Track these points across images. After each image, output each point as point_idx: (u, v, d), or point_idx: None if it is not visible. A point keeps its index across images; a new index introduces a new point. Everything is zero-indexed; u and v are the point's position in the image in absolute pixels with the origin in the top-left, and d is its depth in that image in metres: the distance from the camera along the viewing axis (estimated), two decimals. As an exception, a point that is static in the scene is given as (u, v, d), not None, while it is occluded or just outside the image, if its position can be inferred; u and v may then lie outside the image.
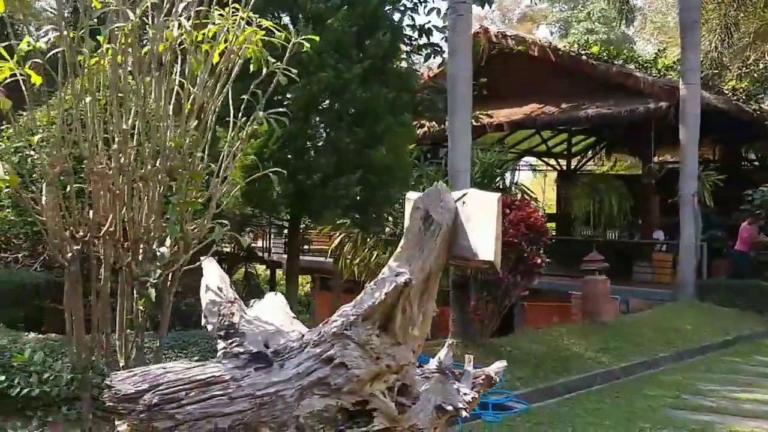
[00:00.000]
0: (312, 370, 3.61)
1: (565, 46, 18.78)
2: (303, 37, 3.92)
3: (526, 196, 13.68)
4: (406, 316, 3.83)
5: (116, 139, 3.81)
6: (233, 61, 3.98)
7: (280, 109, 3.94)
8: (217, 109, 3.83)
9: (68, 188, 3.96)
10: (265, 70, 4.12)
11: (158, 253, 3.73)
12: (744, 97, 17.28)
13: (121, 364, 4.08)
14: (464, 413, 4.69)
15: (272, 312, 4.65)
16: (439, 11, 14.75)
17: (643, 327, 11.46)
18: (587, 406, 7.69)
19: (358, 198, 7.36)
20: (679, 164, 21.27)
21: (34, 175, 6.63)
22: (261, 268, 19.65)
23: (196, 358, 6.52)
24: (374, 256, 11.62)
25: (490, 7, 17.09)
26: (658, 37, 38.73)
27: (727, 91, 17.26)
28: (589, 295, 11.52)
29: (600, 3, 48.12)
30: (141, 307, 3.89)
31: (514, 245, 8.36)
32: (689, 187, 13.86)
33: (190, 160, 3.81)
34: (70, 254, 3.87)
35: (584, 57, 17.65)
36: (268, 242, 21.13)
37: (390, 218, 9.25)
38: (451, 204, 3.91)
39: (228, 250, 11.43)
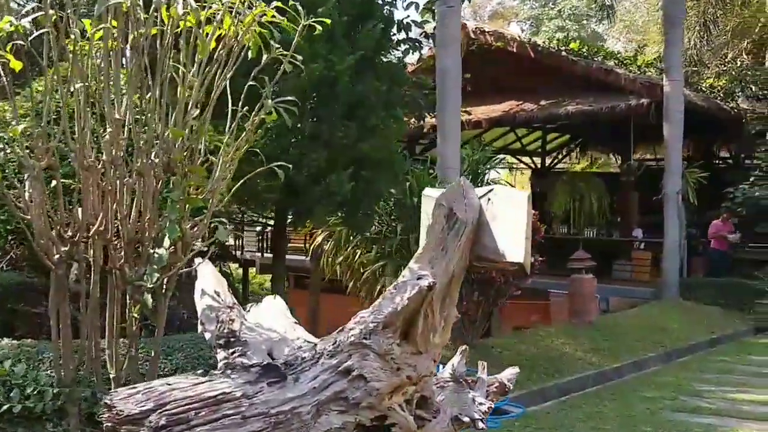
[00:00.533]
0: (329, 383, 3.31)
1: (544, 42, 18.60)
2: (314, 19, 3.61)
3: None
4: (428, 323, 3.54)
5: (108, 130, 3.47)
6: (236, 44, 3.65)
7: (289, 98, 3.63)
8: (216, 98, 3.50)
9: (53, 183, 3.62)
10: (265, 57, 3.81)
11: (155, 256, 3.39)
12: (722, 95, 17.28)
13: (111, 376, 3.74)
14: (481, 424, 4.41)
15: (273, 317, 4.34)
16: (417, 6, 14.51)
17: (631, 326, 11.32)
18: (585, 409, 7.48)
19: (349, 195, 7.03)
20: (656, 162, 21.53)
21: (10, 170, 6.23)
22: (234, 267, 19.24)
23: (193, 367, 6.16)
24: (357, 255, 11.29)
25: (469, 2, 16.81)
26: (626, 35, 39.01)
27: (705, 89, 17.26)
28: (576, 294, 11.35)
29: (571, 0, 48.49)
30: (135, 314, 3.55)
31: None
32: (673, 185, 13.77)
33: (187, 153, 3.48)
34: (57, 256, 3.52)
35: (564, 53, 17.49)
36: (240, 240, 20.72)
37: (376, 216, 8.93)
38: (475, 201, 3.63)
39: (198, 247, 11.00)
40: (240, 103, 3.67)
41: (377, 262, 10.63)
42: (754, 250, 14.84)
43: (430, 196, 3.92)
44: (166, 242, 3.39)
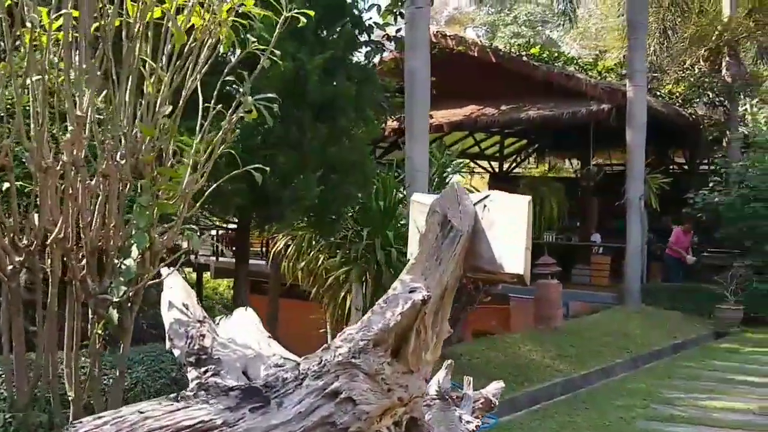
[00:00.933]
0: (315, 407, 3.03)
1: (506, 46, 18.56)
2: (297, 10, 3.35)
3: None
4: (420, 340, 3.29)
5: (69, 128, 3.14)
6: (208, 37, 3.37)
7: (270, 95, 3.36)
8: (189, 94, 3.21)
9: (5, 186, 3.29)
10: (238, 52, 3.54)
11: (122, 267, 3.08)
12: (680, 101, 17.45)
13: (70, 397, 3.41)
14: (469, 444, 4.18)
15: (245, 332, 4.05)
16: (379, 8, 14.31)
17: (595, 332, 11.25)
18: (558, 419, 7.32)
19: (318, 198, 6.76)
20: (612, 167, 21.69)
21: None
22: (187, 271, 18.76)
23: (154, 381, 5.81)
24: (320, 260, 10.99)
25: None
26: (581, 42, 39.51)
27: (664, 95, 17.39)
28: (542, 300, 11.24)
29: (526, 7, 48.96)
30: (98, 331, 3.23)
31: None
32: (636, 190, 13.77)
33: (155, 153, 3.18)
34: (10, 266, 3.18)
35: (525, 58, 17.45)
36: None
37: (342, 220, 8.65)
38: (470, 208, 3.40)
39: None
40: (212, 101, 3.40)
41: (342, 267, 10.37)
42: (713, 256, 14.98)
43: (421, 202, 3.67)
44: (134, 252, 3.08)
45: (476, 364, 8.74)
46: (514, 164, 25.85)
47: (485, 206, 3.37)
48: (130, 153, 3.07)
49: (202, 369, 3.50)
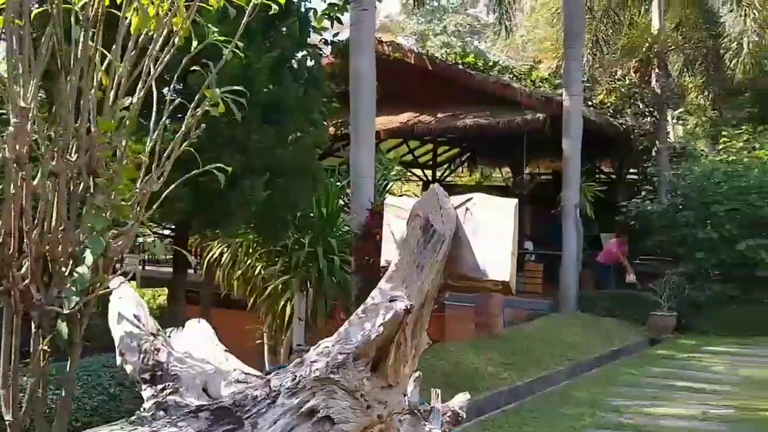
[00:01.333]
0: (290, 427, 2.80)
1: (442, 55, 18.58)
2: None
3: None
4: (399, 352, 3.09)
5: (12, 121, 2.80)
6: (165, 26, 3.09)
7: (237, 87, 3.10)
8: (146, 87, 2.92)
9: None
10: (195, 44, 3.27)
11: (74, 275, 2.75)
12: (611, 111, 17.78)
13: (7, 421, 3.04)
14: (440, 460, 3.99)
15: (200, 345, 3.75)
16: (315, 11, 14.05)
17: (536, 339, 11.24)
18: (508, 429, 7.21)
19: (264, 204, 6.47)
20: (540, 176, 21.98)
21: None
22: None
23: (91, 398, 5.40)
24: (258, 269, 10.65)
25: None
26: (507, 54, 40.25)
27: (596, 105, 17.70)
28: (484, 308, 11.18)
29: (456, 17, 49.58)
30: (45, 347, 2.88)
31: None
32: (572, 198, 13.91)
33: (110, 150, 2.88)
34: (-60, 276, 2.81)
35: (461, 66, 17.48)
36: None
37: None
38: (451, 211, 3.20)
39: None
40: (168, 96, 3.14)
41: (281, 276, 10.07)
42: (645, 263, 15.25)
43: (397, 205, 3.45)
44: (88, 258, 2.76)
45: (423, 372, 8.53)
46: (447, 172, 25.91)
47: (467, 209, 3.18)
48: (83, 149, 2.75)
49: (159, 386, 3.20)
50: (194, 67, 3.18)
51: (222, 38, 3.35)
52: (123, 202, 2.87)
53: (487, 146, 21.52)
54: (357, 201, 8.71)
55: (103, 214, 2.73)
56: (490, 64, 18.11)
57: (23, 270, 2.95)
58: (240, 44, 3.38)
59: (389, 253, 3.43)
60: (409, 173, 25.25)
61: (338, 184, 9.92)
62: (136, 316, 3.58)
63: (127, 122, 2.85)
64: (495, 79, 17.02)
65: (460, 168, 26.75)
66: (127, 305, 3.64)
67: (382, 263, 3.49)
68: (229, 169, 3.40)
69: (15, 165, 2.84)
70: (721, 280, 13.76)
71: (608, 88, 17.77)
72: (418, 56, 17.84)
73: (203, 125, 3.08)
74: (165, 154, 2.97)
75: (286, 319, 10.28)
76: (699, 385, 9.34)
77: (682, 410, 7.98)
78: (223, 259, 11.13)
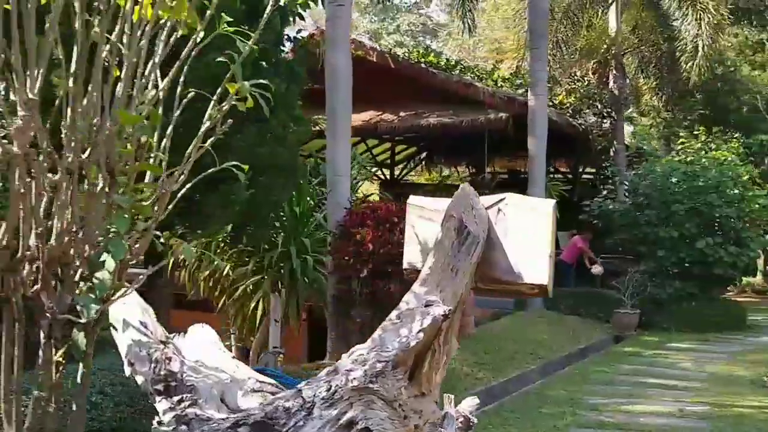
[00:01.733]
0: (330, 441, 2.66)
1: (403, 53, 18.51)
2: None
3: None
4: (434, 359, 2.98)
5: (19, 114, 2.60)
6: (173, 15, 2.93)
7: (262, 81, 2.95)
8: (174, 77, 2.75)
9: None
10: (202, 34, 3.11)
11: (93, 281, 2.56)
12: (571, 112, 17.94)
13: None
14: (457, 468, 3.89)
15: (208, 352, 3.60)
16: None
17: (506, 338, 11.23)
18: (493, 431, 7.15)
19: (246, 203, 6.30)
20: (500, 174, 22.08)
21: None
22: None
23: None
24: (225, 269, 10.40)
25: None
26: (458, 54, 40.40)
27: (556, 105, 17.84)
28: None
29: (408, 17, 49.67)
30: (59, 358, 2.68)
31: (407, 257, 7.64)
32: (538, 197, 13.95)
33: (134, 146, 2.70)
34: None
35: (423, 65, 17.44)
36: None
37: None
38: (483, 212, 3.10)
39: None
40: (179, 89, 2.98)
41: (253, 276, 9.84)
42: (606, 261, 15.43)
43: (421, 205, 3.35)
44: (110, 263, 2.58)
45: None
46: (405, 171, 25.87)
47: (499, 210, 3.09)
48: (104, 144, 2.56)
49: (175, 398, 3.04)
50: (219, 58, 3.00)
51: (231, 29, 3.22)
52: (143, 202, 2.69)
53: (446, 145, 21.53)
54: (333, 199, 8.55)
55: (125, 215, 2.55)
56: (452, 63, 18.06)
57: (26, 275, 2.75)
58: (252, 34, 3.24)
59: (412, 254, 3.32)
60: (369, 172, 25.16)
61: (309, 182, 9.73)
62: (143, 323, 3.41)
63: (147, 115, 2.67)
64: (458, 79, 17.01)
65: (419, 167, 26.71)
66: (132, 312, 3.46)
67: (404, 265, 3.38)
68: (246, 167, 3.25)
69: (24, 161, 2.64)
70: (680, 278, 13.99)
71: (568, 88, 17.93)
72: (380, 54, 17.71)
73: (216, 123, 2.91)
74: (188, 151, 2.80)
75: (257, 321, 10.07)
76: (670, 381, 9.46)
77: (659, 407, 8.05)
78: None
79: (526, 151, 14.42)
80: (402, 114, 17.31)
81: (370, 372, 2.70)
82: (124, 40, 2.83)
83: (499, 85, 17.65)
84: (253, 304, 10.03)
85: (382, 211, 8.12)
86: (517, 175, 20.55)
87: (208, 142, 2.92)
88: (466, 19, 15.94)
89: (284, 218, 9.37)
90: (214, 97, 2.93)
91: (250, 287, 10.07)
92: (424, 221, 3.21)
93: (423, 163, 26.32)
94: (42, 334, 2.77)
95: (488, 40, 38.11)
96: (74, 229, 2.66)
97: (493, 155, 20.13)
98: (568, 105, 17.96)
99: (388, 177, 25.20)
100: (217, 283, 10.63)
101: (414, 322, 2.80)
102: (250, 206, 6.39)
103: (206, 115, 2.91)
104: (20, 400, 2.86)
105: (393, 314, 2.84)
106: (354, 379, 2.67)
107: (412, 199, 3.34)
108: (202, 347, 3.57)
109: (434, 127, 16.69)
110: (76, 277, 2.67)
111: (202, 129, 2.85)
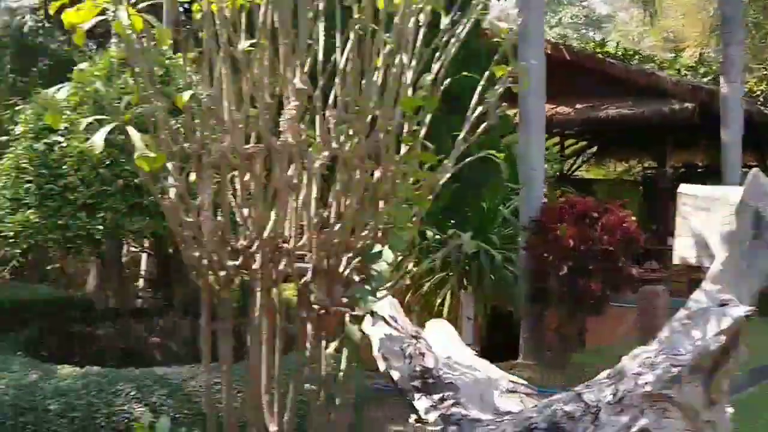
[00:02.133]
0: (622, 450, 2.45)
1: (579, 44, 17.93)
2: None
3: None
4: (728, 364, 2.70)
5: (291, 103, 2.60)
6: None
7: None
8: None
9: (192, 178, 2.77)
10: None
11: (372, 273, 2.52)
12: (761, 100, 16.67)
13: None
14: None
15: (454, 347, 3.49)
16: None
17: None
18: None
19: (446, 197, 6.20)
20: (684, 168, 20.80)
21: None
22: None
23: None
24: (409, 265, 10.38)
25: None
26: (622, 44, 38.72)
27: (745, 93, 16.60)
28: (647, 308, 10.55)
29: (570, 10, 48.41)
30: (333, 350, 2.67)
31: (609, 254, 7.31)
32: (734, 191, 13.03)
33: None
34: (224, 273, 2.63)
35: (599, 55, 16.78)
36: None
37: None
38: (772, 199, 2.80)
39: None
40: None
41: (440, 272, 9.76)
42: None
43: (694, 194, 3.08)
44: (387, 254, 2.52)
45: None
46: (575, 166, 25.04)
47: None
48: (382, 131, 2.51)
49: (436, 396, 2.95)
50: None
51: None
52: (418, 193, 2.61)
53: (620, 138, 20.61)
54: (527, 195, 8.31)
55: (405, 206, 2.49)
56: (631, 52, 17.26)
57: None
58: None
59: (685, 248, 3.05)
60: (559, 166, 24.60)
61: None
62: (393, 317, 3.36)
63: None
64: (637, 68, 16.21)
65: (588, 162, 25.75)
66: (381, 305, 3.41)
67: (675, 260, 3.12)
68: (501, 155, 3.12)
69: (298, 152, 2.64)
70: None
71: (760, 75, 16.63)
72: (554, 46, 17.19)
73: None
74: (459, 138, 2.71)
75: (444, 318, 9.99)
76: None
77: None
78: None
79: (709, 142, 13.49)
80: (578, 106, 16.73)
81: (665, 377, 2.47)
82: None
83: (682, 74, 16.64)
84: (438, 301, 9.96)
85: (579, 205, 7.80)
86: (694, 169, 19.40)
87: (478, 131, 2.78)
88: (649, 8, 15.12)
89: (468, 213, 9.23)
90: (482, 81, 2.80)
91: (436, 283, 10.00)
92: (699, 212, 2.93)
93: (592, 157, 25.34)
94: (309, 327, 2.77)
95: (657, 29, 36.23)
96: (349, 221, 2.63)
97: (673, 148, 19.08)
98: (758, 93, 16.66)
99: (557, 173, 24.47)
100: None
101: (708, 324, 2.54)
102: (453, 199, 6.30)
103: (473, 100, 2.79)
104: (283, 394, 2.89)
105: (681, 314, 2.60)
106: (646, 384, 2.46)
107: (684, 188, 3.08)
108: (446, 342, 3.49)
109: (613, 119, 16.00)
110: (347, 270, 2.65)
111: (472, 113, 2.73)
